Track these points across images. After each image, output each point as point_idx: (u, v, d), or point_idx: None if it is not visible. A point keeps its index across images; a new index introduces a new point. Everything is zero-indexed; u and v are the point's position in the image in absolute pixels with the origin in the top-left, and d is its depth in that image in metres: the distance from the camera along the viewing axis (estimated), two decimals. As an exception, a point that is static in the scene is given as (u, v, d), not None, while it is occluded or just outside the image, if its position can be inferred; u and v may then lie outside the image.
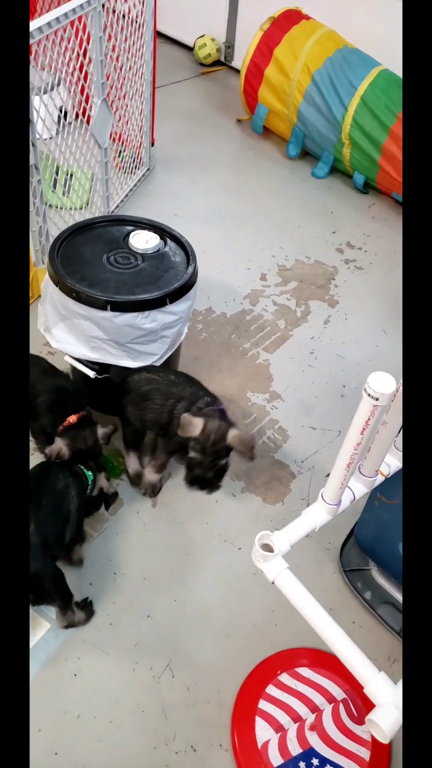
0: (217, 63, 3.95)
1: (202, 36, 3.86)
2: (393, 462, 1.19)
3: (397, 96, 2.77)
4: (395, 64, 2.99)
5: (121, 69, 2.42)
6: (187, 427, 1.49)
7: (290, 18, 3.04)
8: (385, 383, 0.87)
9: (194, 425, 1.49)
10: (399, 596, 1.56)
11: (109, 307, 1.55)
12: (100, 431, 1.63)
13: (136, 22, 2.42)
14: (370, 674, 0.89)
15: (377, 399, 0.87)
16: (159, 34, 3.99)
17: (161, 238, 1.77)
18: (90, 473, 1.57)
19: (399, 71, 2.96)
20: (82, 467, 1.56)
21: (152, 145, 2.90)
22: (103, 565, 1.62)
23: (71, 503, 1.46)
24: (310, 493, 1.83)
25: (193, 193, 2.94)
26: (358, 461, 1.03)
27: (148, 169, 2.95)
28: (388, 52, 3.06)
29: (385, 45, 3.10)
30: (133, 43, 2.44)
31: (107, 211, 2.58)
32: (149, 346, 1.67)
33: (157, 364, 1.72)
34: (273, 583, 1.03)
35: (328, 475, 1.86)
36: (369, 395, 0.88)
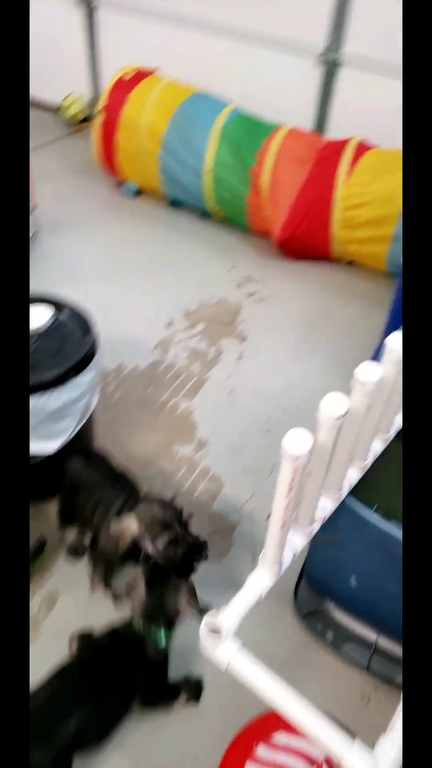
0: (87, 119, 3.96)
1: (68, 96, 3.87)
2: (327, 504, 1.16)
3: (244, 153, 2.81)
4: (253, 103, 3.10)
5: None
6: (124, 533, 1.38)
7: (119, 95, 3.03)
8: (301, 441, 0.84)
9: (126, 527, 1.40)
10: (361, 630, 1.53)
11: (8, 393, 1.45)
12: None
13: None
14: (345, 747, 0.84)
15: (297, 458, 0.84)
16: (23, 98, 3.96)
17: (55, 309, 1.70)
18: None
19: (247, 106, 3.06)
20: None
21: (33, 209, 2.83)
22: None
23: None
24: (253, 537, 1.78)
25: (84, 251, 2.89)
26: (292, 517, 0.99)
27: (34, 233, 2.88)
28: (244, 92, 3.18)
29: (236, 84, 3.22)
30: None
31: (-4, 284, 2.47)
32: (59, 424, 1.59)
33: (69, 439, 1.63)
34: (226, 670, 0.96)
35: (268, 517, 1.83)
36: (286, 459, 0.84)
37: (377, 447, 1.27)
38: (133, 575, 1.40)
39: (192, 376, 2.31)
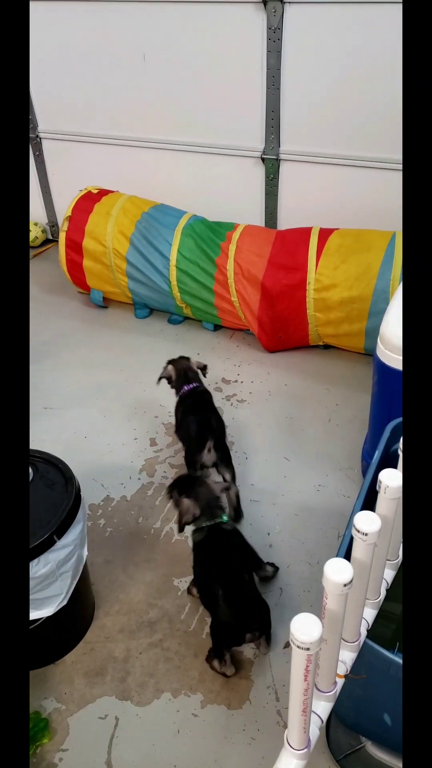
0: (47, 241, 4.08)
1: (24, 224, 3.99)
2: (346, 657, 1.08)
3: (205, 254, 2.91)
4: (205, 207, 3.25)
5: None
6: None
7: (84, 207, 3.15)
8: (311, 628, 0.77)
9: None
10: None
11: (-8, 570, 1.37)
12: None
13: None
14: None
15: (308, 649, 0.77)
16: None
17: (32, 465, 1.64)
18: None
19: (209, 211, 3.21)
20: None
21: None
22: None
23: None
24: (273, 676, 1.66)
25: (57, 377, 2.87)
26: (312, 697, 0.91)
27: (4, 371, 2.86)
28: (196, 199, 3.33)
29: (191, 193, 3.38)
30: None
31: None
32: (50, 588, 1.49)
33: (64, 602, 1.53)
34: None
35: (286, 646, 1.72)
36: (298, 647, 0.77)
37: (389, 576, 1.20)
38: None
39: (182, 496, 2.24)
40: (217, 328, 3.19)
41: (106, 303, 3.38)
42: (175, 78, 3.19)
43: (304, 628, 0.77)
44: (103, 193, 3.25)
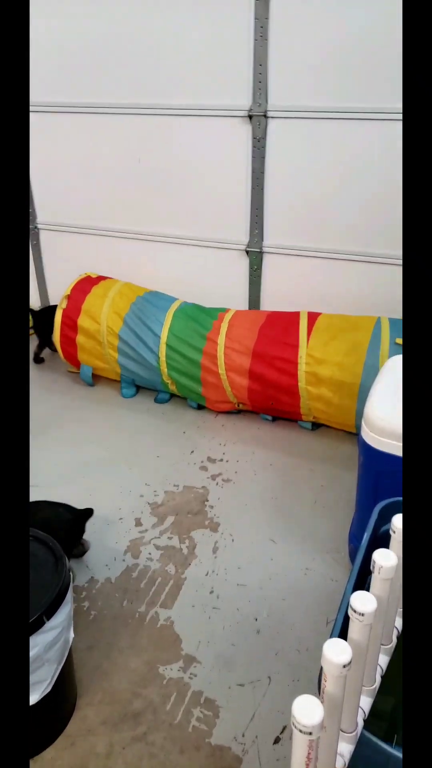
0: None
1: (17, 305, 4.11)
2: (344, 749, 1.06)
3: (196, 331, 3.07)
4: (192, 295, 3.42)
5: None
6: None
7: (82, 288, 3.35)
8: (312, 711, 0.78)
9: None
10: None
11: (-24, 655, 1.33)
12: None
13: None
14: None
15: (310, 733, 0.77)
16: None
17: (20, 543, 1.62)
18: None
19: (196, 298, 3.38)
20: None
21: (-11, 423, 2.85)
22: None
23: None
24: (263, 773, 1.58)
25: (44, 456, 2.87)
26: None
27: (-9, 447, 2.86)
28: (185, 288, 3.51)
29: (180, 282, 3.56)
30: None
31: None
32: (35, 674, 1.44)
33: (49, 689, 1.48)
34: None
35: (276, 741, 1.66)
36: (300, 731, 0.77)
37: (383, 661, 1.20)
38: None
39: (168, 579, 2.20)
40: (201, 406, 3.26)
41: (94, 380, 3.45)
42: (168, 178, 3.45)
43: (306, 710, 0.78)
44: (102, 278, 3.44)
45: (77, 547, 2.27)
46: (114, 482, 2.71)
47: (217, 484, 2.71)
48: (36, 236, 3.95)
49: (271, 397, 2.95)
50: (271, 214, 3.31)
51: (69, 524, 2.17)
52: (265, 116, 3.08)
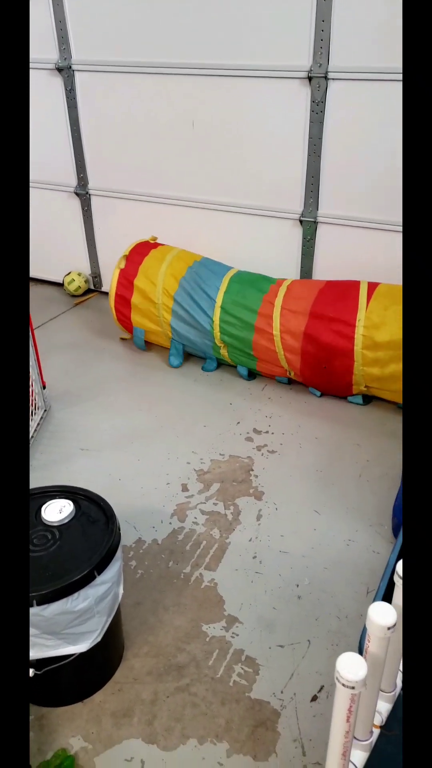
0: (88, 291, 4.27)
1: (69, 273, 4.19)
2: (383, 707, 1.09)
3: (253, 292, 3.08)
4: (243, 264, 3.40)
5: None
6: None
7: (141, 251, 3.39)
8: (356, 667, 0.81)
9: None
10: None
11: (35, 602, 1.42)
12: None
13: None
14: None
15: (353, 687, 0.81)
16: (29, 279, 4.29)
17: (74, 501, 1.71)
18: None
19: (247, 268, 3.36)
20: None
21: (44, 388, 2.96)
22: None
23: None
24: (300, 729, 1.64)
25: (94, 421, 2.97)
26: (351, 743, 0.93)
27: (45, 411, 2.97)
28: (236, 256, 3.50)
29: (232, 251, 3.55)
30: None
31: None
32: (86, 624, 1.53)
33: (98, 639, 1.57)
34: None
35: (313, 699, 1.71)
36: (343, 685, 0.81)
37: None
38: None
39: (213, 542, 2.27)
40: (251, 375, 3.27)
41: (146, 347, 3.51)
42: (221, 144, 3.40)
43: (350, 666, 0.81)
44: (160, 244, 3.47)
45: None
46: (161, 449, 2.78)
47: (262, 454, 2.75)
48: (87, 202, 3.98)
49: (324, 360, 2.93)
50: (327, 182, 3.23)
51: None
52: (326, 78, 2.96)
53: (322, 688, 1.75)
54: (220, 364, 3.39)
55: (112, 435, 2.88)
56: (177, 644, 1.88)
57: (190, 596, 2.05)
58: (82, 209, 4.01)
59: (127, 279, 3.33)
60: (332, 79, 2.98)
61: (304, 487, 2.54)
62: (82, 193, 3.95)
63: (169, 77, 3.36)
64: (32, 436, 2.80)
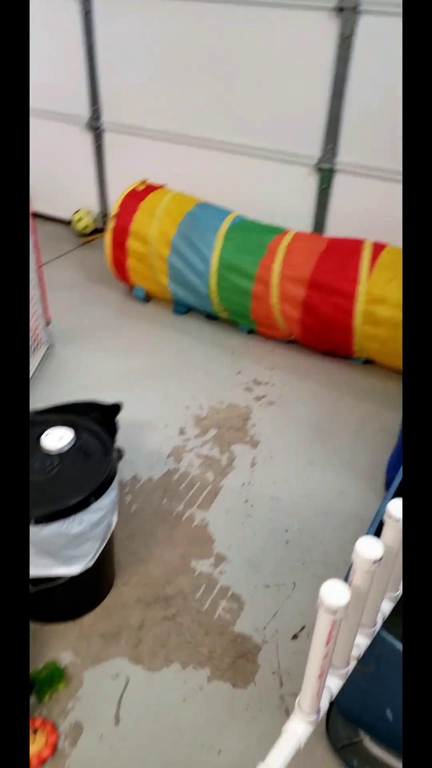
0: (96, 231, 4.20)
1: (78, 211, 4.12)
2: (362, 641, 1.14)
3: (249, 256, 2.95)
4: (253, 214, 3.30)
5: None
6: None
7: (130, 207, 3.22)
8: (339, 594, 0.84)
9: None
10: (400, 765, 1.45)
11: (32, 521, 1.46)
12: None
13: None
14: None
15: (336, 611, 0.84)
16: (37, 215, 4.23)
17: (75, 430, 1.73)
18: None
19: (257, 218, 3.26)
20: None
21: (48, 323, 2.95)
22: None
23: None
24: (279, 663, 1.72)
25: (96, 361, 2.98)
26: (329, 667, 0.97)
27: (48, 347, 2.98)
28: (246, 204, 3.40)
29: (243, 197, 3.46)
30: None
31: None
32: (80, 548, 1.58)
33: (91, 564, 1.62)
34: None
35: (294, 637, 1.78)
36: (325, 610, 0.84)
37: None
38: None
39: (206, 485, 2.32)
40: (251, 332, 3.26)
41: (148, 297, 3.48)
42: (240, 79, 3.23)
43: (334, 592, 0.84)
44: (149, 189, 3.27)
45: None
46: (161, 392, 2.80)
47: (260, 405, 2.77)
48: (100, 137, 3.87)
49: (323, 332, 2.90)
50: (349, 127, 3.06)
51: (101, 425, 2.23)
52: (357, 10, 2.75)
53: (303, 628, 1.82)
54: (226, 314, 3.37)
55: (114, 375, 2.89)
56: (166, 576, 1.95)
57: (181, 533, 2.11)
58: (94, 144, 3.91)
59: (119, 242, 3.23)
60: (364, 12, 2.78)
61: (299, 438, 2.57)
62: (95, 127, 3.83)
63: (191, 3, 3.18)
64: (35, 371, 2.81)
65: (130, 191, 3.29)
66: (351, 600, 0.94)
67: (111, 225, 3.24)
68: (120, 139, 3.83)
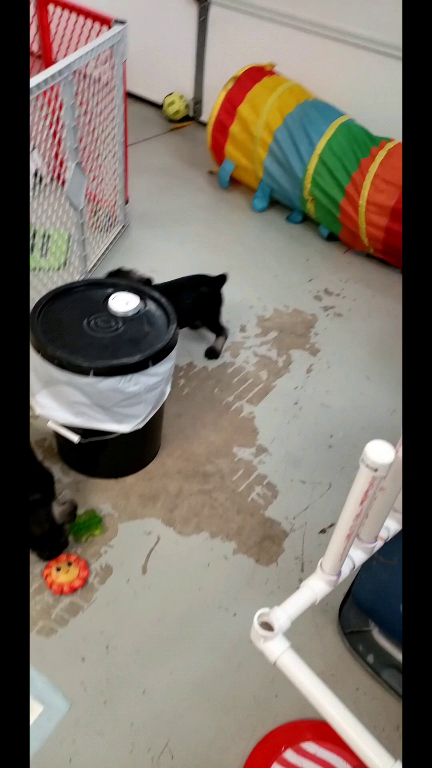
0: (186, 118, 4.06)
1: (171, 94, 3.97)
2: (392, 525, 1.16)
3: (353, 152, 2.83)
4: (358, 113, 3.10)
5: (93, 132, 2.46)
6: None
7: (253, 76, 3.13)
8: (383, 453, 0.84)
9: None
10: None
11: (92, 372, 1.52)
12: (58, 510, 1.60)
13: (107, 86, 2.48)
14: (386, 765, 0.84)
15: (376, 470, 0.85)
16: (129, 95, 4.10)
17: (141, 298, 1.76)
18: None
19: (361, 119, 3.07)
20: None
21: (126, 202, 2.94)
22: (95, 638, 1.54)
23: None
24: (303, 551, 1.78)
25: (168, 247, 2.96)
26: (358, 530, 1.00)
27: (124, 227, 2.98)
28: (354, 101, 3.17)
29: (350, 94, 3.22)
30: (105, 107, 2.49)
31: (84, 270, 2.58)
32: (133, 408, 1.64)
33: (140, 426, 1.69)
34: (275, 664, 0.98)
35: (322, 531, 1.83)
36: (367, 466, 0.85)
37: None
38: None
39: (259, 382, 2.33)
40: (331, 238, 3.14)
41: (230, 188, 3.38)
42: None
43: (378, 450, 0.85)
44: (276, 73, 3.19)
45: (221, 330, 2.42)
46: (227, 288, 2.75)
47: (327, 315, 2.72)
48: (205, 11, 3.61)
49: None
50: None
51: (209, 297, 2.37)
52: None
53: (332, 525, 1.87)
54: (306, 218, 3.26)
55: (183, 263, 2.88)
56: (208, 456, 2.01)
57: (227, 421, 2.16)
58: (198, 19, 3.67)
59: (231, 104, 3.12)
60: None
61: (361, 353, 2.53)
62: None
63: None
64: (108, 249, 2.84)
65: (259, 66, 3.19)
66: (393, 469, 0.94)
67: (229, 85, 3.13)
68: (227, 14, 3.55)
